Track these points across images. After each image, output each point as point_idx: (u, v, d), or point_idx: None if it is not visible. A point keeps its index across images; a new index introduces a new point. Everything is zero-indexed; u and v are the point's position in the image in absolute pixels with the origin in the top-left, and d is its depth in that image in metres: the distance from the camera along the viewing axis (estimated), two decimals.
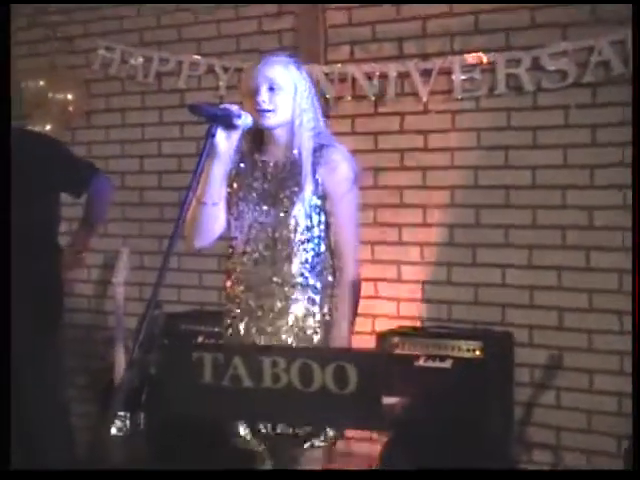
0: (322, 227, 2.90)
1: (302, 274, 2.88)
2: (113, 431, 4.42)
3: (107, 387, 4.58)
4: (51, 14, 5.51)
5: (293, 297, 2.88)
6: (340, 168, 2.88)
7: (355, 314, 2.94)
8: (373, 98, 4.52)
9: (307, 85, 2.91)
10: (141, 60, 5.15)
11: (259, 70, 2.86)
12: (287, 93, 2.86)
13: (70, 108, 5.31)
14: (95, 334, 5.26)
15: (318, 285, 2.90)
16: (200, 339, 4.44)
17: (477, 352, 4.01)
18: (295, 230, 2.86)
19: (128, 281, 4.64)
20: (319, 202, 2.88)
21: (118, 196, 5.30)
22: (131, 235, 5.26)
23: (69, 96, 5.30)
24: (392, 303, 4.51)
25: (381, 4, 4.52)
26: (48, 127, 5.28)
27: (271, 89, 2.84)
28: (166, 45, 5.13)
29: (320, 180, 2.86)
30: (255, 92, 2.84)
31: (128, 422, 4.40)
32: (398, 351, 4.12)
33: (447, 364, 4.06)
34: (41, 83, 5.29)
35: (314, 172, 2.86)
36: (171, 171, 5.11)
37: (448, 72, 4.31)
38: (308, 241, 2.88)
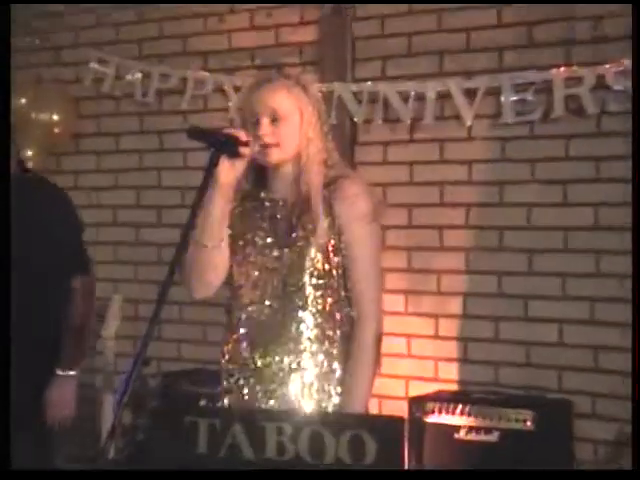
0: (340, 271, 2.93)
1: (318, 325, 2.92)
2: None
3: (94, 456, 4.63)
4: (37, 18, 5.62)
5: (307, 352, 2.92)
6: (358, 203, 2.90)
7: (375, 374, 2.98)
8: (408, 122, 4.58)
9: (316, 110, 2.94)
10: (139, 76, 5.24)
11: (259, 97, 2.91)
12: (292, 122, 2.90)
13: (56, 130, 5.42)
14: (81, 394, 5.30)
15: (337, 338, 2.93)
16: (201, 403, 4.48)
17: (529, 423, 4.03)
18: (310, 275, 2.90)
19: (120, 334, 4.70)
20: (336, 242, 2.92)
21: (110, 234, 5.40)
22: (124, 280, 5.34)
23: (55, 116, 5.40)
24: (428, 363, 4.55)
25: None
26: (29, 152, 5.38)
27: (274, 120, 2.90)
28: (168, 59, 5.23)
29: (336, 215, 2.90)
30: (255, 124, 2.90)
31: None
32: (435, 420, 4.15)
33: (493, 437, 4.08)
34: (23, 101, 5.38)
35: (329, 207, 2.89)
36: (172, 205, 5.18)
37: (496, 92, 4.37)
38: (325, 287, 2.92)
